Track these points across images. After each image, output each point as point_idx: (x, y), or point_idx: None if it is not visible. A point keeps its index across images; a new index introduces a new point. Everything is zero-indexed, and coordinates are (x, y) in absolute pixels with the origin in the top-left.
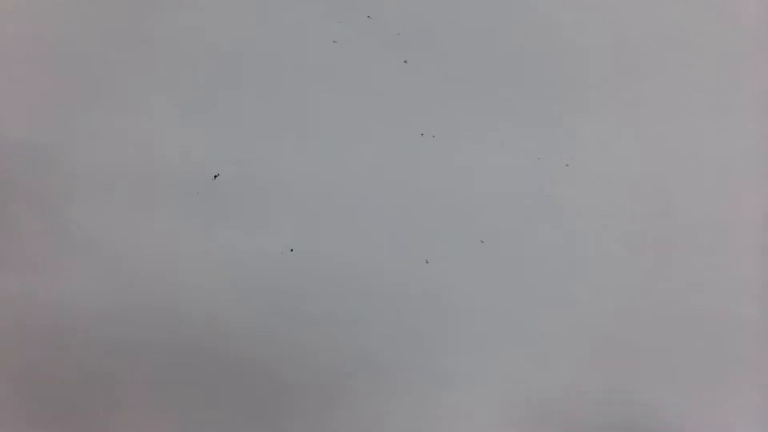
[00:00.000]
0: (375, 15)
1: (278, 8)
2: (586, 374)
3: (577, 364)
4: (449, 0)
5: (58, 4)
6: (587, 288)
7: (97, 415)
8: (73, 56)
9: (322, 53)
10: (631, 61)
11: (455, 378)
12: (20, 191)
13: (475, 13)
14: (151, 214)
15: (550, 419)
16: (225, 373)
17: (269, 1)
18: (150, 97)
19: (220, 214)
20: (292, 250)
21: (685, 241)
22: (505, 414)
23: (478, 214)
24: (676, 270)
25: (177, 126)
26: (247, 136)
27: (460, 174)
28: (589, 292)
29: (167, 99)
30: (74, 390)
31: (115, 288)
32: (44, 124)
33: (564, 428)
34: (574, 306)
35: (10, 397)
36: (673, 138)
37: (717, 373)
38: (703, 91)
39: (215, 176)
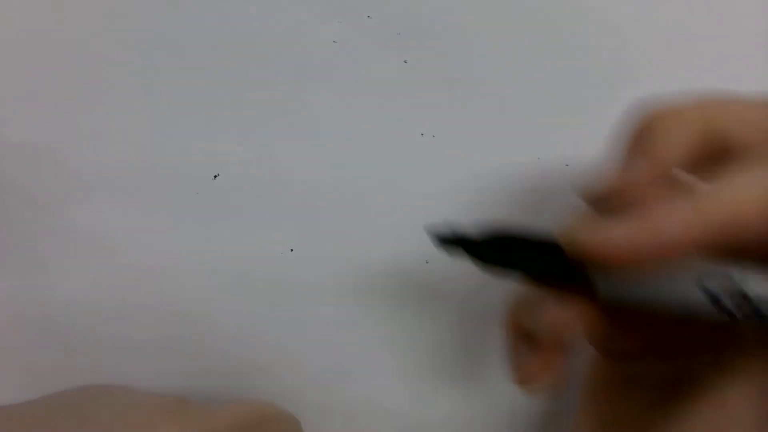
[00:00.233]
0: (375, 15)
1: (278, 8)
2: None
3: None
4: (449, 0)
5: (58, 4)
6: None
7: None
8: (73, 56)
9: (321, 53)
10: (631, 61)
11: (455, 377)
12: (20, 191)
13: (476, 14)
14: (151, 213)
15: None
16: (225, 372)
17: (269, 0)
18: (150, 96)
19: (221, 214)
20: (292, 250)
21: None
22: (505, 415)
23: (478, 214)
24: None
25: (177, 126)
26: (247, 136)
27: (459, 173)
28: None
29: (167, 99)
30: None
31: (114, 286)
32: (44, 124)
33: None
34: None
35: (10, 397)
36: None
37: None
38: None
39: (215, 176)
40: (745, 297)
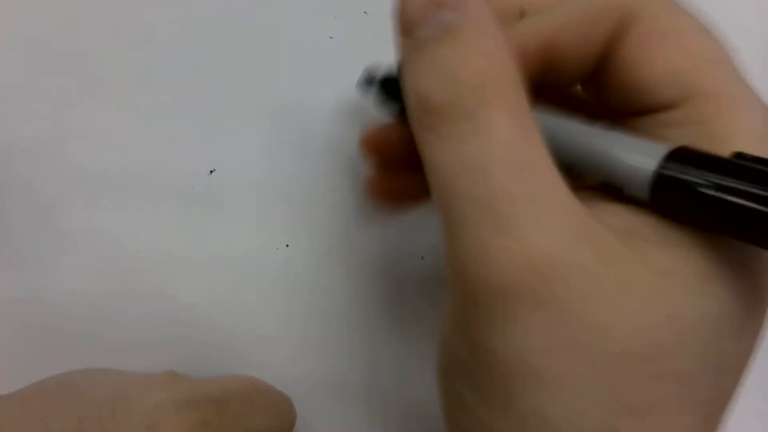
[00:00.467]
0: (372, 11)
1: (275, 4)
2: None
3: None
4: None
5: (58, 4)
6: None
7: None
8: (73, 56)
9: (318, 49)
10: None
11: None
12: (20, 191)
13: None
14: (147, 208)
15: None
16: (221, 366)
17: None
18: (145, 93)
19: (216, 209)
20: (287, 246)
21: None
22: None
23: None
24: None
25: (173, 122)
26: (243, 132)
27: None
28: None
29: (163, 95)
30: None
31: (110, 281)
32: (43, 123)
33: None
34: None
35: None
36: None
37: None
38: None
39: (211, 171)
40: None
